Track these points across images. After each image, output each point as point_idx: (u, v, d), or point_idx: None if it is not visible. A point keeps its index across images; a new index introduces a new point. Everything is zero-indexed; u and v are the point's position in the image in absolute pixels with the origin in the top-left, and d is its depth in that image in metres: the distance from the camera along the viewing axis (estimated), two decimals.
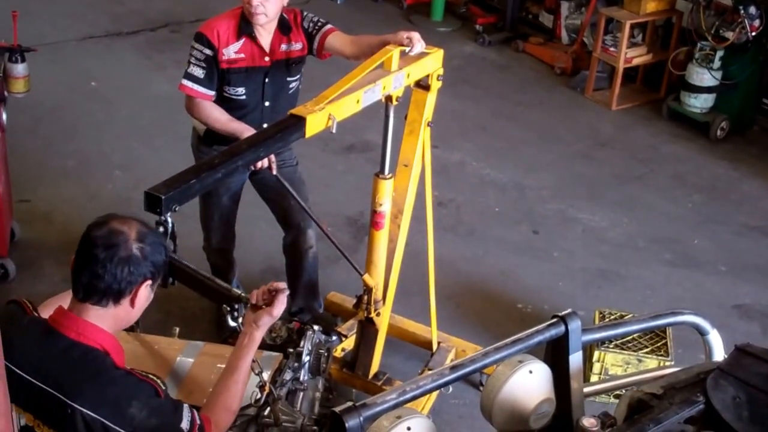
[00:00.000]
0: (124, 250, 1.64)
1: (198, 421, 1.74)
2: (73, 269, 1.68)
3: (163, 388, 1.72)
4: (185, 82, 2.86)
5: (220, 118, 2.85)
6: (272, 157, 2.79)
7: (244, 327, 1.91)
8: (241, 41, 2.85)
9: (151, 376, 1.72)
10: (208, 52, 2.82)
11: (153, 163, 4.32)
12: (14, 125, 3.87)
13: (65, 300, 1.78)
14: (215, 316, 3.28)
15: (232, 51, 2.85)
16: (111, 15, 6.15)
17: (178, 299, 3.32)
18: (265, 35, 2.88)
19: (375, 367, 2.98)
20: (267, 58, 2.90)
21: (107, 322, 1.69)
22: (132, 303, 1.69)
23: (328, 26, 2.92)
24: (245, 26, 2.85)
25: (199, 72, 2.83)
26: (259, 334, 1.90)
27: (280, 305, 1.91)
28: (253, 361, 1.93)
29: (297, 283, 3.27)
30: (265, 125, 2.87)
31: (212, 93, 2.87)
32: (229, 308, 2.00)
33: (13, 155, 3.87)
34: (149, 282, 1.69)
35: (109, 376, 1.65)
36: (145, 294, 1.70)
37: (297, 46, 2.92)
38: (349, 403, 1.36)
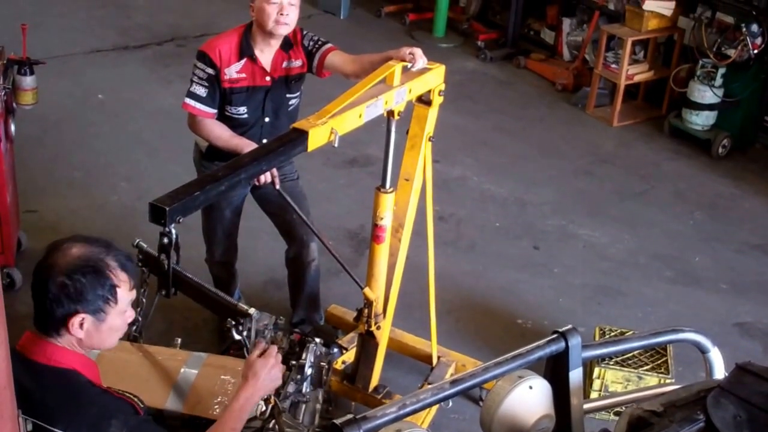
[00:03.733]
0: (50, 286, 1.64)
1: None
2: None
3: (142, 406, 1.72)
4: (188, 100, 2.87)
5: (222, 135, 2.88)
6: (275, 171, 2.81)
7: (241, 384, 1.88)
8: (243, 61, 2.87)
9: (127, 394, 1.72)
10: (210, 71, 2.84)
11: (158, 175, 4.34)
12: (22, 136, 3.90)
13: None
14: (217, 326, 3.29)
15: (234, 71, 2.87)
16: (118, 29, 6.21)
17: (181, 309, 3.33)
18: (267, 53, 2.90)
19: (375, 380, 2.98)
20: (268, 78, 2.92)
21: (68, 345, 1.69)
22: (69, 332, 1.67)
23: (328, 45, 2.94)
24: (246, 47, 2.87)
25: (201, 91, 2.85)
26: (244, 393, 1.87)
27: (269, 377, 1.89)
28: None
29: (299, 295, 3.29)
30: (264, 141, 2.90)
31: (214, 111, 2.89)
32: (234, 322, 2.02)
33: (21, 166, 3.90)
34: (82, 316, 1.65)
35: (86, 397, 1.65)
36: (89, 326, 1.66)
37: (297, 63, 2.95)
38: (350, 416, 1.37)
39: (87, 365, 1.71)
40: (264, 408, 1.93)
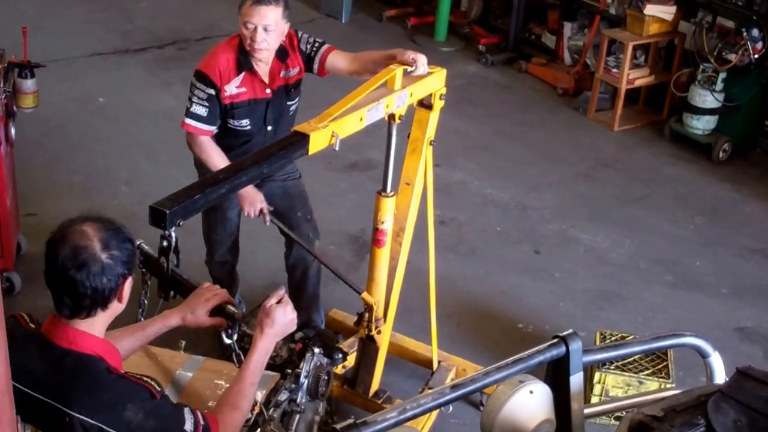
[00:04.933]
0: (96, 264, 1.66)
1: (202, 422, 1.76)
2: (52, 291, 1.70)
3: (159, 389, 1.73)
4: (188, 121, 2.86)
5: (219, 164, 2.79)
6: (264, 208, 2.88)
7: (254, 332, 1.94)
8: (241, 76, 2.87)
9: (145, 378, 1.74)
10: (210, 91, 2.83)
11: (158, 179, 4.34)
12: (22, 140, 3.90)
13: (130, 332, 1.89)
14: (218, 331, 3.28)
15: (234, 86, 2.86)
16: (119, 32, 6.22)
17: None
18: (264, 66, 2.90)
19: (375, 385, 2.98)
20: (268, 90, 2.92)
21: (98, 326, 1.73)
22: (119, 300, 1.74)
23: (326, 46, 2.93)
24: (244, 61, 2.86)
25: (201, 111, 2.84)
26: (262, 343, 1.92)
27: (279, 318, 1.93)
28: None
29: (301, 297, 3.28)
30: None
31: (214, 128, 2.89)
32: (223, 326, 2.00)
33: (21, 169, 3.90)
34: (129, 277, 1.73)
35: (102, 382, 1.67)
36: (128, 287, 1.74)
37: (294, 71, 2.95)
38: (350, 421, 1.37)
39: (110, 351, 1.74)
40: (250, 415, 1.91)
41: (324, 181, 4.48)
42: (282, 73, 2.93)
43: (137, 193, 4.26)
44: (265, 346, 1.91)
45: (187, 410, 1.75)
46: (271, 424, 1.92)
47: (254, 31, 2.77)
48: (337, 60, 2.90)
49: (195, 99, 2.84)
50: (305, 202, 3.14)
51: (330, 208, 4.22)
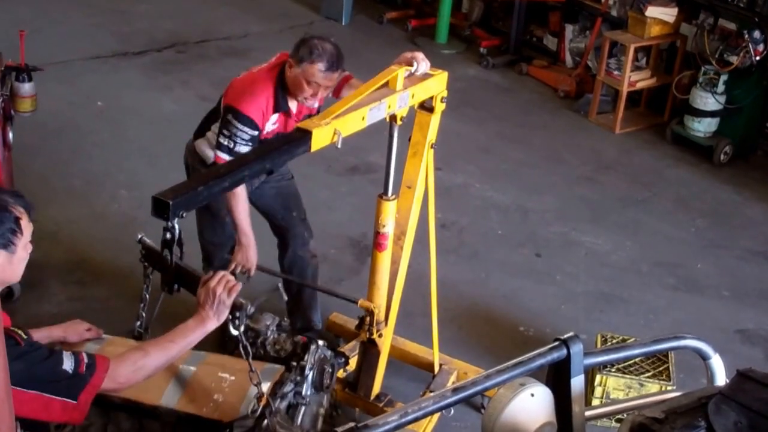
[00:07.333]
0: None
1: (86, 360, 1.77)
2: None
3: (25, 337, 1.76)
4: (227, 158, 2.85)
5: (242, 211, 2.89)
6: (252, 270, 2.95)
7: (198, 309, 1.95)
8: (277, 115, 2.92)
9: (12, 328, 1.76)
10: (254, 133, 2.85)
11: (158, 183, 4.26)
12: (21, 144, 3.90)
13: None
14: (223, 326, 3.27)
15: (270, 123, 2.92)
16: (118, 35, 6.22)
17: (184, 316, 3.31)
18: (294, 103, 2.95)
19: (377, 388, 2.97)
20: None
21: None
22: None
23: (344, 74, 2.96)
24: (282, 102, 2.90)
25: (245, 150, 2.82)
26: (201, 319, 1.94)
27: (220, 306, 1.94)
28: (252, 371, 1.92)
29: (299, 298, 3.28)
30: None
31: None
32: (230, 316, 1.99)
33: (19, 174, 3.89)
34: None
35: None
36: (3, 260, 1.77)
37: (316, 103, 3.00)
38: (351, 424, 1.36)
39: None
40: (256, 407, 1.91)
41: (325, 185, 4.48)
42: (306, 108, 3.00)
43: (137, 197, 4.24)
44: (196, 320, 1.93)
45: (66, 354, 1.77)
46: (278, 416, 1.92)
47: (317, 90, 2.83)
48: (351, 91, 2.93)
49: (239, 141, 2.83)
50: (299, 202, 3.18)
51: (331, 212, 4.22)
